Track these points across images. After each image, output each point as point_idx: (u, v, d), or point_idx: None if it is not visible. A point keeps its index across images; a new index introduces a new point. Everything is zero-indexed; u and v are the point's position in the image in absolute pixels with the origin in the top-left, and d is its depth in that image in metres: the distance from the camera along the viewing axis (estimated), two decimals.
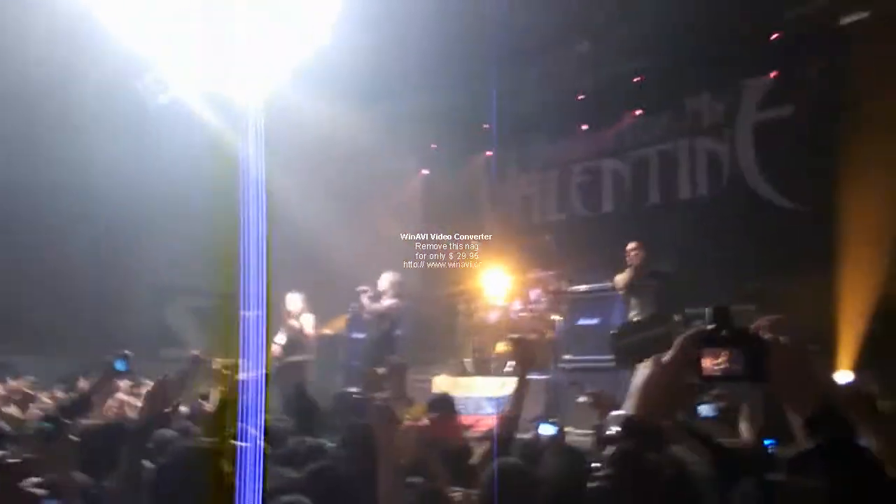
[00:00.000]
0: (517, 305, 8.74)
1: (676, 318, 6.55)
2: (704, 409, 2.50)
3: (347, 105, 9.83)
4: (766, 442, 2.97)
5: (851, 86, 7.15)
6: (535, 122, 10.81)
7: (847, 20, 7.56)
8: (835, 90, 7.51)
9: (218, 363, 4.00)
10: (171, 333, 11.65)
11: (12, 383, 6.17)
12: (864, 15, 7.39)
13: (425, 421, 3.22)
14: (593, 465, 1.37)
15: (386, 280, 8.57)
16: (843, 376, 6.27)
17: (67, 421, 3.10)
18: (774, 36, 8.23)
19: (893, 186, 6.53)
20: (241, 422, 3.26)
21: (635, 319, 6.47)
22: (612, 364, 6.76)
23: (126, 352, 3.88)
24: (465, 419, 5.20)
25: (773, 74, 8.55)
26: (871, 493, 1.58)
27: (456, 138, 11.36)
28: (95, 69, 9.50)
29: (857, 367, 6.46)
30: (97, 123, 10.42)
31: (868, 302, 6.58)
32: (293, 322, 9.28)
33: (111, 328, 10.23)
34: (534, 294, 8.69)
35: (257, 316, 10.13)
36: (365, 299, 8.57)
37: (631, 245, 6.63)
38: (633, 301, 6.48)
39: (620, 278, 6.88)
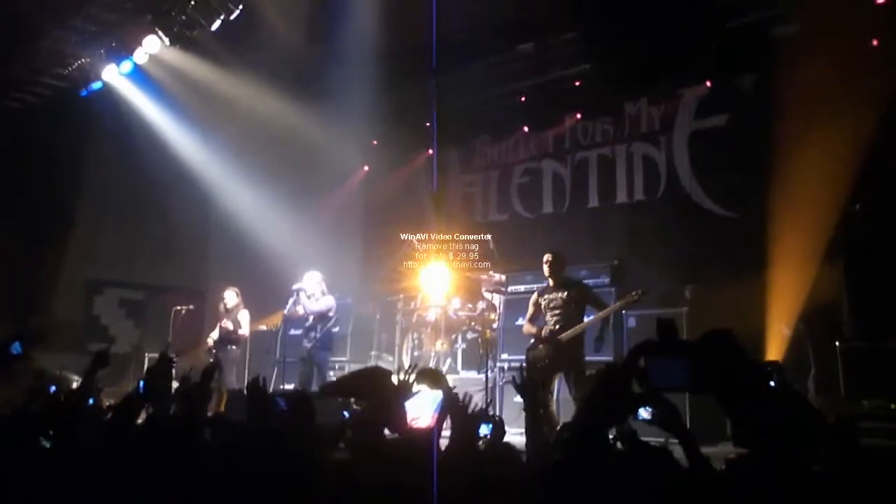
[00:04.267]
0: (456, 304, 8.77)
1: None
2: (642, 412, 2.56)
3: (290, 100, 9.73)
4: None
5: (782, 97, 7.39)
6: (477, 122, 10.87)
7: (779, 33, 7.83)
8: (766, 101, 7.76)
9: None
10: (99, 326, 11.33)
11: None
12: (795, 28, 7.65)
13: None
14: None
15: (312, 279, 8.50)
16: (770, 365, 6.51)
17: None
18: (710, 46, 8.46)
19: (819, 196, 6.80)
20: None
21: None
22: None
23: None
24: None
25: (708, 84, 8.78)
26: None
27: (398, 136, 11.33)
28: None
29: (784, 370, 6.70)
30: (30, 113, 10.10)
31: (794, 306, 6.84)
32: (228, 319, 9.12)
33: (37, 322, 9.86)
34: (472, 293, 8.74)
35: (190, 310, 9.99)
36: (303, 296, 8.48)
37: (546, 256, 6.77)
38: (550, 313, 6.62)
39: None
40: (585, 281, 7.40)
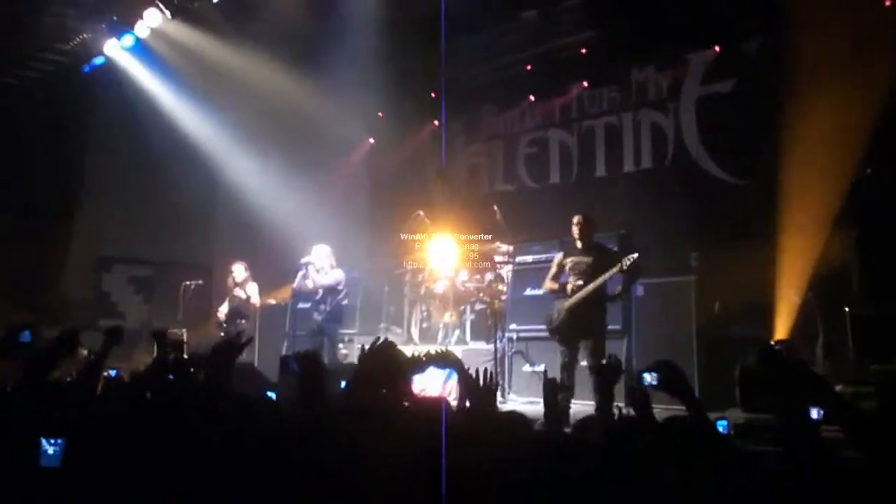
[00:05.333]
0: (464, 276, 8.77)
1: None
2: (648, 378, 2.58)
3: (293, 73, 9.66)
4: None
5: (791, 62, 7.29)
6: (482, 92, 10.78)
7: None
8: (775, 66, 7.65)
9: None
10: (109, 303, 11.39)
11: None
12: None
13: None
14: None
15: (321, 252, 8.51)
16: (779, 345, 6.51)
17: None
18: (718, 10, 8.34)
19: (829, 162, 6.73)
20: None
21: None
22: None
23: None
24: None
25: (716, 49, 8.67)
26: None
27: (402, 108, 11.25)
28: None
29: (792, 336, 6.70)
30: (32, 90, 10.07)
31: (803, 274, 6.81)
32: (238, 291, 9.17)
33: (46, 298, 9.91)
34: (480, 264, 8.72)
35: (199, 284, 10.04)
36: (312, 270, 8.49)
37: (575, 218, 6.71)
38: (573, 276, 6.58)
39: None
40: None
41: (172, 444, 2.44)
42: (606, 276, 6.42)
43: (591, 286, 6.40)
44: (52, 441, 1.96)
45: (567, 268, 6.65)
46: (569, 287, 6.52)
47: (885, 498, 1.95)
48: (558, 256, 6.85)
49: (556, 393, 3.25)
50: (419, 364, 3.29)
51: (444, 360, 3.69)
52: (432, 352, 3.60)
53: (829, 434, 2.32)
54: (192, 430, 2.55)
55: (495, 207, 8.79)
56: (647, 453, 2.07)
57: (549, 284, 6.83)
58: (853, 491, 1.98)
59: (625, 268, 6.30)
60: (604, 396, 3.76)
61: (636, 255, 6.33)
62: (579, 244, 6.64)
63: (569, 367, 6.39)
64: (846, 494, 1.98)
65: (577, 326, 6.43)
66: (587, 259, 6.53)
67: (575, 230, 6.65)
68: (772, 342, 6.50)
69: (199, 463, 2.37)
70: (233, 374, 3.51)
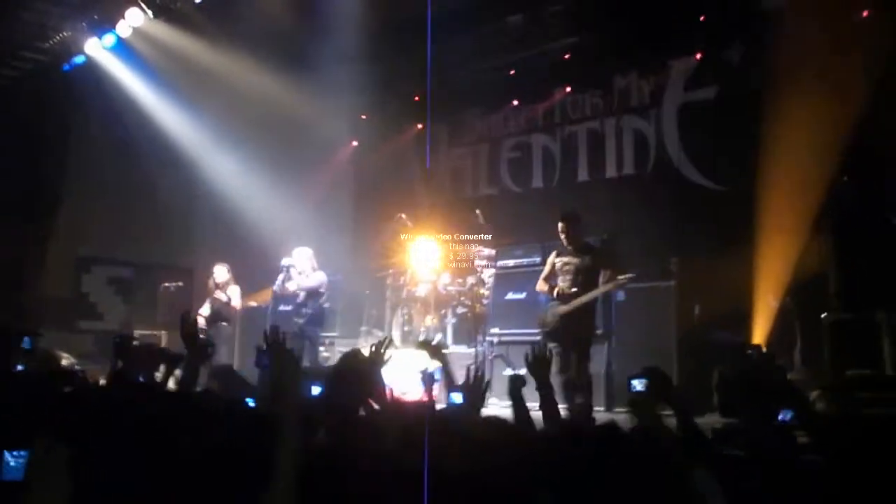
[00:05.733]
0: (446, 279, 8.77)
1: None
2: (636, 384, 2.60)
3: (276, 74, 9.62)
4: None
5: (772, 70, 7.37)
6: (466, 96, 10.80)
7: (770, 4, 7.79)
8: (756, 74, 7.73)
9: None
10: (88, 304, 11.27)
11: None
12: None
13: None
14: None
15: (302, 255, 8.49)
16: (757, 351, 6.58)
17: None
18: (701, 18, 8.41)
19: (808, 169, 6.81)
20: None
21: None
22: (539, 338, 6.87)
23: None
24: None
25: (698, 56, 8.74)
26: None
27: (387, 109, 11.24)
28: None
29: (770, 342, 6.77)
30: (10, 89, 9.96)
31: (782, 279, 6.88)
32: (219, 293, 9.11)
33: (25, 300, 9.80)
34: (462, 267, 8.73)
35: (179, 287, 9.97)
36: (294, 273, 8.46)
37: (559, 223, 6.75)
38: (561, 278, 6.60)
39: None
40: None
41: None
42: (603, 289, 6.48)
43: (585, 297, 6.39)
44: (15, 454, 1.92)
45: (557, 267, 6.65)
46: (555, 291, 6.54)
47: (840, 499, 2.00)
48: (552, 255, 6.84)
49: (520, 391, 3.26)
50: (380, 359, 3.30)
51: (433, 353, 3.70)
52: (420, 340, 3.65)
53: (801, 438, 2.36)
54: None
55: (477, 211, 8.80)
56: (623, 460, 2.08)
57: (541, 285, 6.85)
58: (812, 492, 2.02)
59: (623, 283, 6.38)
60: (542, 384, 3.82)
61: (633, 275, 6.42)
62: (568, 246, 6.64)
63: (566, 368, 6.40)
64: (806, 495, 2.01)
65: (570, 330, 6.45)
66: (576, 261, 6.53)
67: (561, 235, 6.66)
68: (747, 349, 6.57)
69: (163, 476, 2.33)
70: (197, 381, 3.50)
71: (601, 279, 6.52)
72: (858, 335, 6.05)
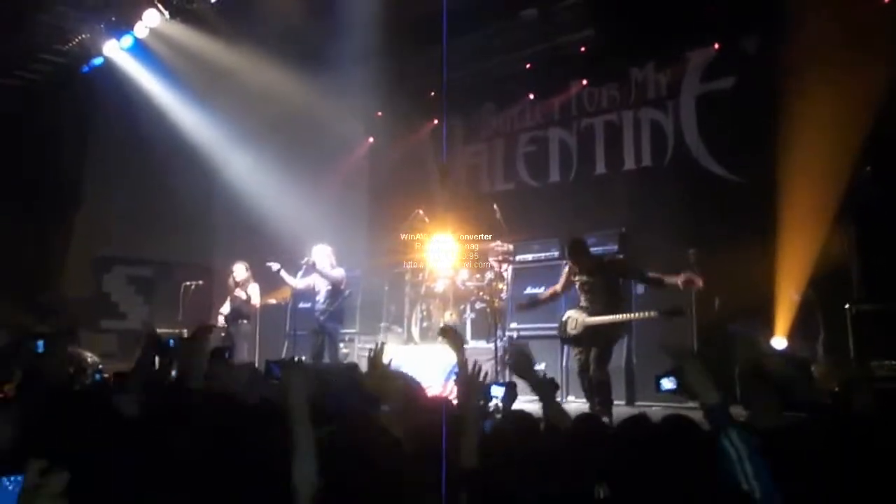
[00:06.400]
0: (464, 275, 8.78)
1: None
2: (666, 383, 2.62)
3: (294, 71, 9.66)
4: None
5: (790, 59, 7.29)
6: (481, 91, 10.78)
7: None
8: (774, 63, 7.65)
9: None
10: (110, 303, 11.39)
11: None
12: None
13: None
14: None
15: (321, 252, 8.53)
16: (779, 343, 6.52)
17: None
18: (714, 8, 8.33)
19: (828, 159, 6.73)
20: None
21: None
22: (557, 333, 6.87)
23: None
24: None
25: (715, 46, 8.67)
26: None
27: (402, 107, 11.25)
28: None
29: (792, 334, 6.71)
30: (32, 91, 10.08)
31: (803, 271, 6.81)
32: (239, 291, 9.18)
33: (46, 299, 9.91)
34: (480, 263, 8.73)
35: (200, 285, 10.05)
36: (312, 270, 8.52)
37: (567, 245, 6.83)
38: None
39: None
40: (594, 249, 7.40)
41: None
42: (633, 316, 6.49)
43: (610, 318, 6.33)
44: (11, 479, 1.88)
45: (577, 286, 6.64)
46: (581, 305, 6.56)
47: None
48: (567, 268, 6.80)
49: (554, 392, 3.26)
50: (376, 373, 3.17)
51: (453, 340, 3.67)
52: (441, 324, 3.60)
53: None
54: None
55: (495, 206, 8.79)
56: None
57: (554, 290, 6.89)
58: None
59: (649, 316, 6.34)
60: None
61: (656, 314, 6.31)
62: (581, 274, 6.60)
63: (586, 367, 6.40)
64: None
65: (592, 334, 6.43)
66: (593, 280, 6.52)
67: (572, 264, 6.68)
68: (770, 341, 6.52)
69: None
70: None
71: (621, 283, 6.63)
72: (882, 326, 5.98)
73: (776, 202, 7.08)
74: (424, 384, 5.91)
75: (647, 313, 6.37)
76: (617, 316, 6.34)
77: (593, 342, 6.42)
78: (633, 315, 6.48)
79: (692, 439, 2.07)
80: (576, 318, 6.50)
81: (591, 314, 6.40)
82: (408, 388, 3.11)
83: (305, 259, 8.54)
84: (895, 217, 6.34)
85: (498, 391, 4.12)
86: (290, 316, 9.16)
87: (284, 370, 2.88)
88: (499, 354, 7.77)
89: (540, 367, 7.41)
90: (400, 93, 10.79)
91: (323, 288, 8.54)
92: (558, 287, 6.85)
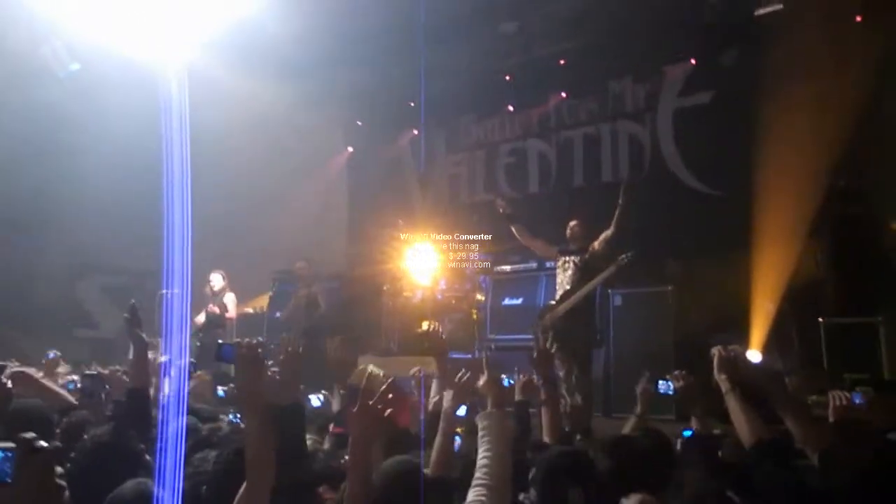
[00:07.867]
0: (442, 285, 8.76)
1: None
2: (663, 387, 2.64)
3: (272, 80, 9.61)
4: None
5: (766, 74, 7.38)
6: (462, 102, 10.80)
7: (762, 11, 7.81)
8: (751, 78, 7.74)
9: None
10: (84, 312, 11.22)
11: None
12: (778, 6, 7.64)
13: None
14: None
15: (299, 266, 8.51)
16: (754, 355, 6.57)
17: None
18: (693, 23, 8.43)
19: (803, 173, 6.81)
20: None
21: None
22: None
23: None
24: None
25: (692, 61, 8.76)
26: None
27: (382, 116, 11.23)
28: None
29: (767, 347, 6.76)
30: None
31: (778, 283, 6.87)
32: (215, 301, 9.09)
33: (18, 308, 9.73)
34: (459, 274, 8.72)
35: (178, 294, 9.91)
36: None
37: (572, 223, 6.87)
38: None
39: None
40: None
41: None
42: (600, 278, 6.48)
43: (581, 291, 6.42)
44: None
45: (559, 264, 6.75)
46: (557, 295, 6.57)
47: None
48: (557, 251, 6.97)
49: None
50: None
51: (436, 348, 3.63)
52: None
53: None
54: None
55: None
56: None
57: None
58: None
59: (624, 262, 6.38)
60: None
61: (631, 252, 6.40)
62: (572, 245, 6.76)
63: (567, 377, 6.40)
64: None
65: (570, 338, 6.44)
66: (574, 259, 6.63)
67: (569, 232, 6.81)
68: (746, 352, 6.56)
69: None
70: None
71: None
72: (856, 339, 6.06)
73: (752, 215, 7.15)
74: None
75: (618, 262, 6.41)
76: (584, 288, 6.44)
77: (573, 353, 6.43)
78: (599, 276, 6.49)
79: None
80: (545, 322, 6.57)
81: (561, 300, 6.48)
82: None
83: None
84: (869, 232, 6.43)
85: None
86: (267, 325, 9.08)
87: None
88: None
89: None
90: (380, 102, 10.79)
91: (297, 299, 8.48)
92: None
